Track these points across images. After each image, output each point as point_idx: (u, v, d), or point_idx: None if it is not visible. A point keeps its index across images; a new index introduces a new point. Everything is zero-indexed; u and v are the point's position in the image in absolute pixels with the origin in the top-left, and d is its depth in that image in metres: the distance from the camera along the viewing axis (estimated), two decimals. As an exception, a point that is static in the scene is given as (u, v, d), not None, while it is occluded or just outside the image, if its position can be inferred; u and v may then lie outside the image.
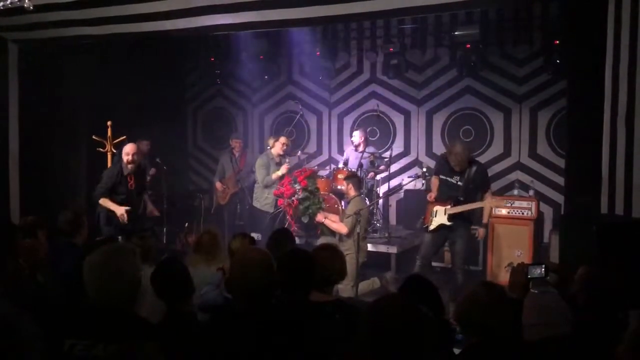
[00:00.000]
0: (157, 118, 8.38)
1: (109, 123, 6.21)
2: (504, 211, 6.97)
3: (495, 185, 8.01)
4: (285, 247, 3.64)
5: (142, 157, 6.10)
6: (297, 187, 6.70)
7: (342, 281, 3.36)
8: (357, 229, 5.86)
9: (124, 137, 6.33)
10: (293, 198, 6.72)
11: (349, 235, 6.06)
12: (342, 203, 6.95)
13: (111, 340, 2.12)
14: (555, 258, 6.08)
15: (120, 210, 5.76)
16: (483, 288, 2.52)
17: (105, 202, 5.85)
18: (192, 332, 2.71)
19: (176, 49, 8.98)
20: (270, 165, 7.05)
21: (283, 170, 6.95)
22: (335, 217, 6.46)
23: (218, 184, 8.26)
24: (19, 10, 4.85)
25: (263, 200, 7.05)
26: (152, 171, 7.46)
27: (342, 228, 6.16)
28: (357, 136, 7.78)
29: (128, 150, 5.91)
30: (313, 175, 6.94)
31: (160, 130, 8.14)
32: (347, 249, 5.84)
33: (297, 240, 7.19)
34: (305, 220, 6.79)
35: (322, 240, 6.35)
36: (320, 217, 6.51)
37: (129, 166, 5.92)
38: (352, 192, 6.30)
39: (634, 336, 1.93)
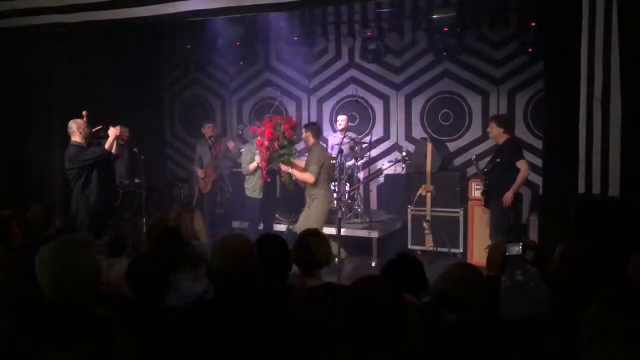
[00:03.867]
0: (133, 107, 8.25)
1: (84, 113, 6.09)
2: (483, 193, 7.03)
3: (474, 169, 8.02)
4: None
5: (89, 131, 5.96)
6: (280, 134, 6.72)
7: (328, 265, 3.36)
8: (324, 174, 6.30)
9: (100, 127, 6.22)
10: (274, 143, 6.73)
11: (316, 183, 6.29)
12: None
13: (66, 345, 1.99)
14: (534, 238, 6.17)
15: (113, 131, 5.77)
16: (458, 267, 2.56)
17: (107, 143, 5.80)
18: (168, 330, 2.60)
19: (151, 36, 8.84)
20: (255, 153, 7.00)
21: (257, 159, 6.89)
22: (300, 168, 6.60)
23: (199, 171, 8.17)
24: (-13, -2, 4.72)
25: (251, 187, 7.01)
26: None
27: (309, 177, 6.36)
28: (343, 120, 7.77)
29: (75, 126, 5.82)
30: (297, 127, 6.96)
31: (136, 119, 8.02)
32: (313, 194, 6.34)
33: (281, 227, 7.25)
34: (274, 166, 6.82)
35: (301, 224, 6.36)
36: (286, 167, 6.63)
37: (84, 141, 5.83)
38: (311, 140, 6.45)
39: (593, 324, 1.94)
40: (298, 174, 6.52)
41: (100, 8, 6.00)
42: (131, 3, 5.87)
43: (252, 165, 6.89)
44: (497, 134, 6.25)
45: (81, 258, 2.12)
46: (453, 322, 2.39)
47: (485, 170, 6.33)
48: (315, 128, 6.62)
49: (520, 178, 6.11)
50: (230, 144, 8.09)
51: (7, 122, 6.96)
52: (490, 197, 6.25)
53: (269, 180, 7.01)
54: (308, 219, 6.27)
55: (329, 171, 6.61)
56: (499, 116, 6.73)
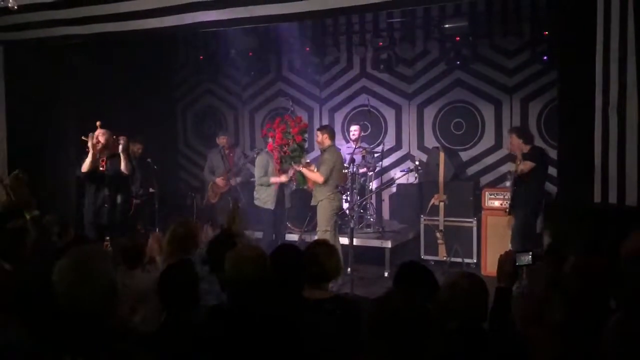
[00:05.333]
0: (147, 117, 8.32)
1: (98, 123, 6.13)
2: (496, 203, 6.98)
3: (487, 178, 8.05)
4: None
5: (108, 140, 5.94)
6: (290, 138, 6.88)
7: (338, 277, 3.31)
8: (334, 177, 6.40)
9: (113, 137, 6.26)
10: (285, 148, 6.90)
11: (325, 183, 6.40)
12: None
13: (79, 350, 1.98)
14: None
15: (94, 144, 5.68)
16: (462, 276, 2.57)
17: (84, 165, 5.77)
18: (190, 343, 2.59)
19: (164, 47, 8.91)
20: (269, 164, 7.01)
21: (283, 179, 6.90)
22: (312, 167, 6.70)
23: (220, 180, 8.14)
24: (3, 10, 4.78)
25: (264, 198, 7.01)
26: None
27: (318, 177, 6.49)
28: (356, 130, 7.77)
29: (95, 134, 5.84)
30: (305, 130, 7.10)
31: (150, 129, 8.08)
32: (318, 197, 6.48)
33: (293, 237, 7.24)
34: (284, 166, 6.97)
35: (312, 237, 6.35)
36: (298, 167, 6.74)
37: (97, 146, 5.82)
38: (327, 142, 6.53)
39: (616, 330, 1.91)
40: (309, 174, 6.62)
41: (114, 20, 6.07)
42: (145, 15, 5.93)
43: (274, 179, 6.85)
44: (518, 145, 6.29)
45: (99, 271, 2.13)
46: (455, 330, 2.38)
47: (517, 177, 6.31)
48: (330, 129, 6.72)
49: (519, 162, 6.18)
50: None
51: (23, 131, 7.03)
52: (516, 206, 6.28)
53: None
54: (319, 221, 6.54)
55: (340, 176, 6.64)
56: (518, 128, 6.83)
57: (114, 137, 5.94)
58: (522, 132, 6.51)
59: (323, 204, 6.47)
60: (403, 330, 1.83)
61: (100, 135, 5.84)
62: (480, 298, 2.47)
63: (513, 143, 6.36)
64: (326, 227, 6.42)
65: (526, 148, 6.27)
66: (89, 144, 5.74)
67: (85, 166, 5.79)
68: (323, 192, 6.47)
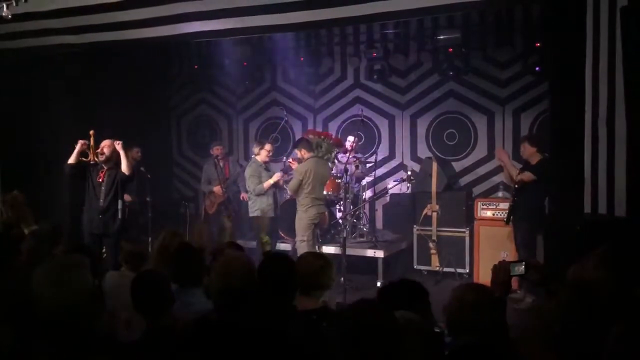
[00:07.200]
0: (141, 126, 8.32)
1: (91, 132, 6.13)
2: (489, 213, 7.00)
3: (479, 188, 8.09)
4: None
5: (113, 152, 5.95)
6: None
7: (329, 288, 3.29)
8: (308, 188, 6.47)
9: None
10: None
11: (298, 196, 6.56)
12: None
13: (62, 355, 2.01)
14: (540, 258, 6.13)
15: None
16: (471, 288, 2.53)
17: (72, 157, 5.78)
18: (171, 349, 2.60)
19: (159, 56, 8.94)
20: (261, 173, 7.06)
21: (275, 178, 7.04)
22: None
23: (217, 189, 8.12)
24: (-3, 19, 4.79)
25: (265, 207, 7.03)
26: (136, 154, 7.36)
27: (288, 189, 6.89)
28: (351, 141, 7.81)
29: (101, 144, 5.90)
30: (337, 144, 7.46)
31: (144, 138, 8.08)
32: (298, 205, 6.62)
33: (286, 246, 7.25)
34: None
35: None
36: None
37: (100, 157, 5.86)
38: (306, 155, 6.65)
39: (617, 344, 1.92)
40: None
41: (108, 29, 6.09)
42: (139, 24, 5.94)
43: (268, 183, 7.00)
44: (530, 153, 6.20)
45: (74, 280, 2.11)
46: (465, 345, 2.37)
47: (516, 186, 6.23)
48: (304, 142, 6.81)
49: (515, 171, 6.17)
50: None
51: (16, 139, 7.01)
52: (517, 216, 6.16)
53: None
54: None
55: (321, 187, 6.68)
56: (532, 135, 6.83)
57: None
58: (535, 140, 6.33)
59: (298, 215, 6.60)
60: (367, 339, 1.82)
61: (105, 147, 5.87)
62: (489, 310, 2.42)
63: (525, 151, 6.26)
64: (302, 237, 6.50)
65: (536, 158, 6.14)
66: (86, 146, 5.76)
67: (73, 158, 5.79)
68: (299, 202, 6.59)
